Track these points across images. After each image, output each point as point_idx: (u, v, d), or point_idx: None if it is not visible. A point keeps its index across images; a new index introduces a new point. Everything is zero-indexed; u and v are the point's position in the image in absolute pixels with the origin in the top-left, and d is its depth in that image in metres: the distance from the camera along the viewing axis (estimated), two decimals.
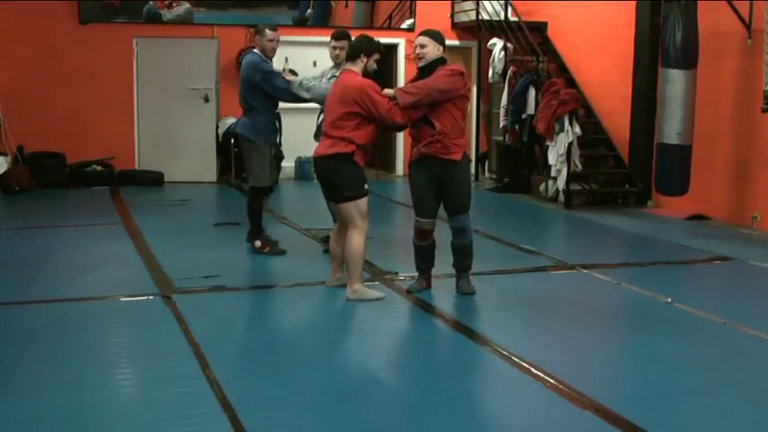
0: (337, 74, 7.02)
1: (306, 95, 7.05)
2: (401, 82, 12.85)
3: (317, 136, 7.47)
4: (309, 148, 7.76)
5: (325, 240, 7.73)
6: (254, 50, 7.15)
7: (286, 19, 12.24)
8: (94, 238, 8.02)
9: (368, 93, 5.60)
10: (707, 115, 8.95)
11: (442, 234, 6.11)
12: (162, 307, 5.62)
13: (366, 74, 5.82)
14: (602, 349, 5.19)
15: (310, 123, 7.59)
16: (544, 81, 10.63)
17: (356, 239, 5.69)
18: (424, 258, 6.08)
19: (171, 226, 8.71)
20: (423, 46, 5.79)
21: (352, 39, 6.10)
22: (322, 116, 7.36)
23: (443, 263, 6.24)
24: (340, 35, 7.12)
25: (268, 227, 7.49)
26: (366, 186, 5.74)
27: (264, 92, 6.97)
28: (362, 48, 5.81)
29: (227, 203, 10.57)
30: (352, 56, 5.82)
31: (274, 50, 7.12)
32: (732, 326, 5.35)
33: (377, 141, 5.97)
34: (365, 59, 5.78)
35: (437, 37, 5.83)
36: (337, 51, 7.08)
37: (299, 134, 7.58)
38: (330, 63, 7.35)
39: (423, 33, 5.89)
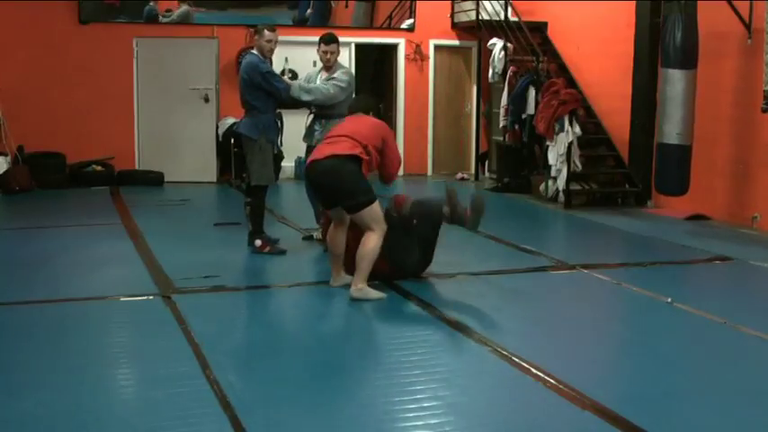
0: (335, 75, 7.12)
1: (306, 97, 7.16)
2: (401, 81, 12.90)
3: (306, 137, 7.51)
4: None
5: (307, 240, 7.76)
6: (253, 51, 7.19)
7: (286, 19, 12.26)
8: (94, 238, 8.02)
9: (388, 135, 6.03)
10: (707, 115, 8.95)
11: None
12: (162, 307, 5.62)
13: None
14: (602, 349, 5.19)
15: None
16: (544, 81, 10.64)
17: (373, 240, 5.72)
18: None
19: (171, 226, 8.71)
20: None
21: (358, 98, 6.67)
22: (311, 117, 7.43)
23: (444, 263, 6.25)
24: (331, 39, 7.30)
25: (268, 227, 7.49)
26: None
27: (266, 91, 7.00)
28: (371, 105, 6.32)
29: (227, 203, 10.56)
30: (365, 110, 6.20)
31: (272, 51, 7.16)
32: (732, 326, 5.35)
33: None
34: (371, 115, 6.21)
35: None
36: (329, 56, 7.25)
37: (299, 134, 7.57)
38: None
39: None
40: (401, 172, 12.87)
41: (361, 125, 5.98)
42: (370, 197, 5.71)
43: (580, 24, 11.78)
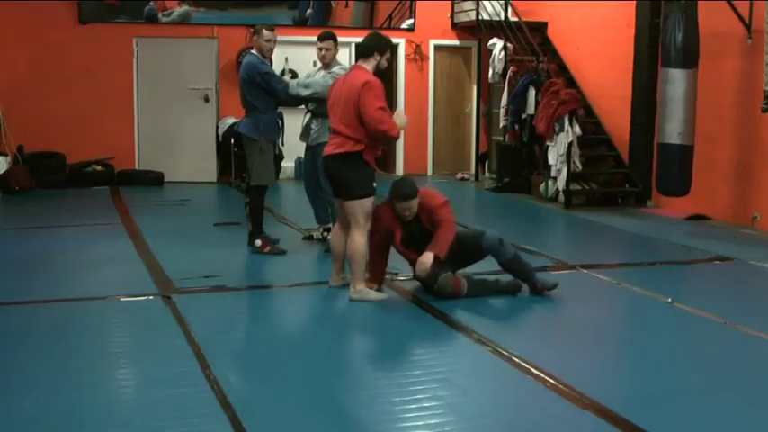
0: (332, 70, 7.04)
1: (304, 92, 7.10)
2: (401, 81, 12.88)
3: (302, 136, 7.49)
4: None
5: (307, 239, 7.75)
6: (252, 51, 7.18)
7: (286, 19, 12.26)
8: (94, 238, 8.02)
9: (362, 91, 5.52)
10: (707, 115, 8.95)
11: None
12: (162, 307, 5.62)
13: (377, 72, 5.78)
14: (602, 349, 5.19)
15: None
16: (544, 81, 10.64)
17: (358, 239, 5.69)
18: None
19: (171, 226, 8.71)
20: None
21: (365, 36, 5.94)
22: (308, 116, 7.40)
23: None
24: (324, 36, 7.20)
25: (268, 227, 7.49)
26: (374, 185, 5.74)
27: (266, 91, 7.00)
28: (375, 45, 5.75)
29: (227, 203, 10.56)
30: (364, 53, 5.75)
31: (271, 51, 7.15)
32: (732, 326, 5.35)
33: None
34: (378, 57, 5.74)
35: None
36: (323, 53, 7.16)
37: (299, 134, 7.56)
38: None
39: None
40: (401, 171, 12.91)
41: (344, 101, 5.61)
42: (367, 191, 5.68)
43: (580, 24, 11.78)
